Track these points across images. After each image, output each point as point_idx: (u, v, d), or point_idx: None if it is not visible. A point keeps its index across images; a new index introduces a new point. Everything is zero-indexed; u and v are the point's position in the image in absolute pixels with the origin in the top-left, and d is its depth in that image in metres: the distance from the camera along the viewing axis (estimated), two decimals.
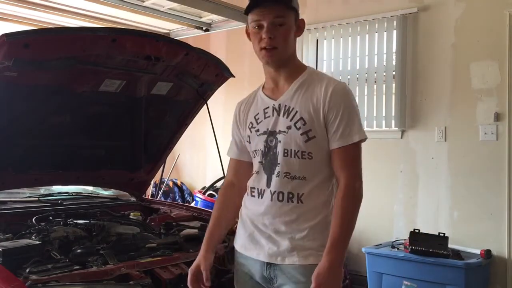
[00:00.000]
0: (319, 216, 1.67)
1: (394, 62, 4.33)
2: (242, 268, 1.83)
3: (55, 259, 2.04)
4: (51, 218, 2.64)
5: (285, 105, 1.75)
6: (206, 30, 4.80)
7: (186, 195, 5.76)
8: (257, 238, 1.75)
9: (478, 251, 3.67)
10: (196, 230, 2.64)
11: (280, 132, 1.73)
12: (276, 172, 1.72)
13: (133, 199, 3.35)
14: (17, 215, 2.66)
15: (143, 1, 4.15)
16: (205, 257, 1.82)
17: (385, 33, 4.40)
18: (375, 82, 4.46)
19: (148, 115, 2.86)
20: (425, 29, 4.21)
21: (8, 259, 1.91)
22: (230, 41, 5.66)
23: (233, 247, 2.29)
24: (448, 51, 4.07)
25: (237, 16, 4.32)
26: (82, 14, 4.45)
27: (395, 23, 4.33)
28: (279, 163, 1.71)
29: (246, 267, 1.81)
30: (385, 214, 4.37)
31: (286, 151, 1.71)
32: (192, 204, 5.03)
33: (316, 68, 4.82)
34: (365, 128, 4.43)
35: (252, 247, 1.77)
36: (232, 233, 2.58)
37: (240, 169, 1.93)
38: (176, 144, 3.25)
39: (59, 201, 3.00)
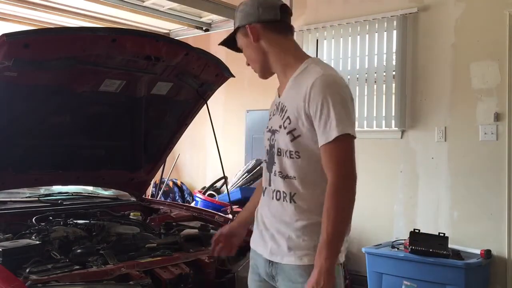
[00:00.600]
0: (314, 216, 1.64)
1: (394, 62, 4.33)
2: (253, 261, 1.87)
3: (55, 259, 2.04)
4: (51, 218, 2.64)
5: (281, 103, 1.75)
6: (206, 30, 4.80)
7: (186, 195, 5.76)
8: (264, 235, 1.76)
9: (478, 251, 3.67)
10: (196, 230, 2.65)
11: (276, 131, 1.74)
12: (273, 171, 1.74)
13: (133, 199, 3.35)
14: (17, 215, 2.66)
15: (143, 1, 4.15)
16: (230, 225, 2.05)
17: (385, 33, 4.40)
18: (375, 82, 4.46)
19: (148, 115, 2.86)
20: (425, 29, 4.21)
21: (8, 259, 1.91)
22: None
23: None
24: (448, 51, 4.07)
25: None
26: (82, 14, 4.44)
27: (395, 23, 4.33)
28: (275, 162, 1.73)
29: (255, 261, 1.84)
30: (385, 214, 4.37)
31: (279, 150, 1.72)
32: (192, 204, 5.03)
33: None
34: (365, 128, 4.49)
35: (260, 243, 1.78)
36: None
37: None
38: (176, 144, 3.25)
39: (59, 201, 3.00)
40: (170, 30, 5.15)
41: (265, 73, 1.83)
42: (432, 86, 4.17)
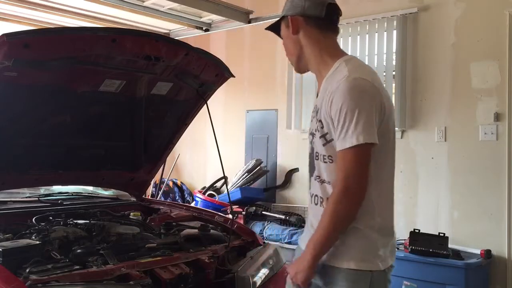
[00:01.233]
0: None
1: (394, 62, 4.33)
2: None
3: (55, 259, 2.04)
4: (51, 218, 2.64)
5: (316, 105, 1.72)
6: (206, 30, 4.79)
7: (186, 195, 5.76)
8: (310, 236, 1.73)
9: (478, 251, 3.67)
10: (196, 230, 2.64)
11: (313, 134, 1.72)
12: (313, 175, 1.74)
13: (133, 199, 3.34)
14: (17, 215, 2.65)
15: (143, 1, 4.15)
16: None
17: (385, 33, 4.40)
18: None
19: (148, 115, 2.86)
20: (425, 29, 4.21)
21: (8, 259, 1.91)
22: (230, 41, 5.66)
23: (233, 248, 2.31)
24: (448, 51, 4.07)
25: (237, 16, 4.32)
26: (82, 14, 4.44)
27: (395, 23, 4.33)
28: (314, 166, 1.72)
29: None
30: None
31: (317, 154, 1.70)
32: (192, 204, 5.03)
33: None
34: None
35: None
36: (233, 233, 2.59)
37: None
38: (176, 144, 3.25)
39: (59, 201, 2.99)
40: (170, 30, 5.15)
41: (300, 67, 1.80)
42: (432, 86, 4.17)
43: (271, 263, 2.55)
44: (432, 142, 4.15)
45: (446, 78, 4.09)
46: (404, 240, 3.80)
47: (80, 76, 2.38)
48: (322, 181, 1.69)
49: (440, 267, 3.50)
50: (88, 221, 2.61)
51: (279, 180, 5.16)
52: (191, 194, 5.73)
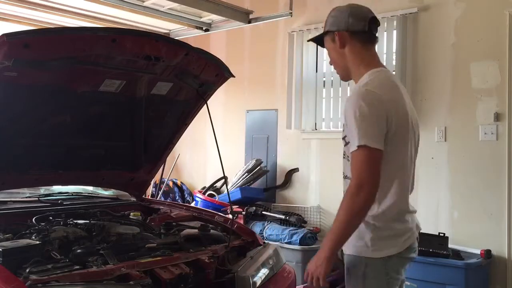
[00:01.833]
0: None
1: (394, 62, 4.33)
2: None
3: (55, 259, 2.04)
4: (51, 218, 2.64)
5: None
6: (206, 30, 4.79)
7: (186, 195, 5.76)
8: None
9: (478, 251, 3.67)
10: (196, 230, 2.64)
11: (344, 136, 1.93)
12: (343, 174, 1.98)
13: (133, 199, 3.35)
14: (17, 215, 2.65)
15: (143, 1, 4.15)
16: None
17: (385, 33, 4.40)
18: None
19: (148, 115, 2.86)
20: (425, 29, 4.21)
21: (8, 259, 1.91)
22: (230, 41, 5.66)
23: (233, 248, 2.31)
24: (448, 51, 4.07)
25: (237, 16, 4.32)
26: (82, 14, 4.44)
27: (395, 23, 4.33)
28: (343, 165, 1.96)
29: None
30: None
31: (344, 153, 1.94)
32: (192, 204, 5.03)
33: (316, 69, 4.84)
34: None
35: None
36: (233, 233, 2.59)
37: None
38: (176, 144, 3.25)
39: (59, 201, 2.99)
40: (170, 30, 5.14)
41: (345, 76, 2.01)
42: (432, 86, 4.17)
43: (271, 263, 2.55)
44: (432, 142, 4.15)
45: (446, 78, 4.09)
46: None
47: (80, 76, 2.38)
48: (345, 177, 1.91)
49: (440, 267, 3.50)
50: (88, 221, 2.61)
51: (279, 180, 5.16)
52: (191, 194, 5.72)
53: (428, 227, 3.94)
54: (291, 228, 4.44)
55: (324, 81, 4.82)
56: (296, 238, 4.29)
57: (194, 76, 2.73)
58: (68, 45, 2.20)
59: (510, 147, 3.76)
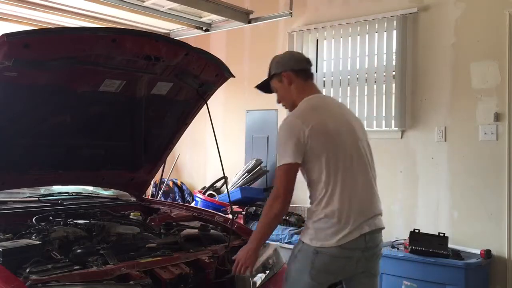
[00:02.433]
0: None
1: (394, 62, 4.33)
2: None
3: (55, 259, 2.04)
4: (51, 218, 2.64)
5: None
6: (206, 30, 4.79)
7: (186, 195, 5.76)
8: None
9: (478, 251, 3.67)
10: (196, 230, 2.65)
11: None
12: None
13: (133, 199, 3.35)
14: (17, 215, 2.66)
15: (143, 1, 4.14)
16: None
17: (385, 33, 4.40)
18: (375, 82, 4.46)
19: (148, 115, 2.86)
20: (425, 29, 4.21)
21: (8, 259, 1.91)
22: (230, 41, 5.66)
23: (233, 248, 2.32)
24: (448, 51, 4.07)
25: (237, 16, 4.32)
26: (82, 14, 4.44)
27: (395, 23, 4.33)
28: None
29: None
30: (385, 214, 4.33)
31: None
32: (192, 204, 5.03)
33: (316, 68, 4.85)
34: (365, 128, 4.50)
35: None
36: (233, 233, 2.59)
37: None
38: (176, 144, 3.25)
39: (59, 201, 3.00)
40: (170, 30, 5.14)
41: (293, 107, 2.30)
42: (432, 86, 4.17)
43: (271, 263, 2.55)
44: (432, 142, 4.15)
45: (446, 78, 4.09)
46: (404, 240, 3.80)
47: (80, 76, 2.38)
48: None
49: (440, 267, 3.49)
50: (88, 221, 2.62)
51: None
52: (191, 194, 5.72)
53: (428, 227, 3.94)
54: (291, 228, 4.44)
55: (324, 81, 4.82)
56: (296, 238, 4.29)
57: (194, 76, 2.74)
58: (68, 45, 2.20)
59: (510, 147, 3.76)
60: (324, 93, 4.92)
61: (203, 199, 5.01)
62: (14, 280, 1.78)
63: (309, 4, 4.94)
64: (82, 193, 3.34)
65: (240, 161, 5.42)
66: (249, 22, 4.39)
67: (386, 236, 4.21)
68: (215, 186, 5.29)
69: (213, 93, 2.95)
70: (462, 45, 4.01)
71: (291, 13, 4.36)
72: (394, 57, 4.33)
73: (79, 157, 2.82)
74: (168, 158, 3.36)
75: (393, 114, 4.31)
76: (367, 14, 4.48)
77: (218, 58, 2.77)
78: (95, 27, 3.98)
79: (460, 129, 4.01)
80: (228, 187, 4.96)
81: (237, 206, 4.69)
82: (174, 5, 4.15)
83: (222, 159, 2.79)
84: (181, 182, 5.90)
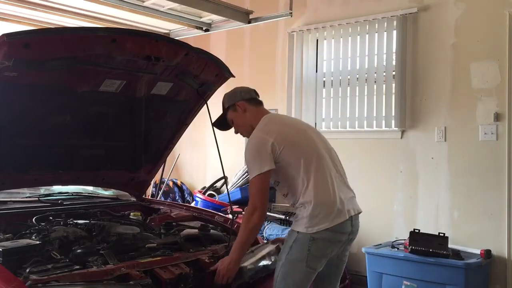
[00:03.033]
0: None
1: (394, 62, 4.33)
2: None
3: (55, 259, 2.04)
4: (51, 218, 2.64)
5: None
6: (206, 30, 4.79)
7: (186, 195, 5.76)
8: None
9: (478, 251, 3.67)
10: (196, 230, 2.65)
11: None
12: None
13: (133, 199, 3.35)
14: (17, 215, 2.66)
15: (143, 1, 4.14)
16: None
17: (385, 33, 4.40)
18: (375, 82, 4.46)
19: (148, 115, 2.86)
20: (425, 29, 4.21)
21: (8, 259, 1.91)
22: (230, 41, 5.66)
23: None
24: (448, 51, 4.08)
25: (237, 16, 4.32)
26: (82, 14, 4.43)
27: (395, 23, 4.33)
28: None
29: None
30: (385, 214, 4.37)
31: None
32: (192, 204, 5.03)
33: (316, 69, 4.85)
34: (365, 128, 4.52)
35: None
36: (233, 233, 2.60)
37: None
38: (176, 144, 3.25)
39: (59, 201, 3.00)
40: (170, 30, 5.14)
41: (250, 132, 2.49)
42: (432, 86, 4.17)
43: (272, 259, 2.54)
44: (432, 142, 4.15)
45: (446, 78, 4.09)
46: (404, 240, 3.80)
47: (80, 76, 2.38)
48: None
49: (440, 267, 3.49)
50: (88, 221, 2.62)
51: None
52: (191, 194, 5.72)
53: (428, 227, 3.94)
54: None
55: (324, 81, 4.82)
56: None
57: (194, 76, 2.74)
58: (68, 45, 2.20)
59: (510, 147, 3.76)
60: (324, 94, 4.96)
61: (203, 199, 5.01)
62: (14, 280, 1.78)
63: (309, 4, 4.94)
64: (82, 193, 3.34)
65: (240, 161, 5.41)
66: (249, 22, 4.39)
67: (386, 236, 4.24)
68: (215, 186, 5.29)
69: (213, 93, 2.95)
70: (462, 45, 4.01)
71: (291, 13, 4.36)
72: (394, 57, 4.33)
73: (79, 157, 2.82)
74: (168, 158, 3.36)
75: (393, 114, 4.31)
76: (367, 14, 4.48)
77: (218, 58, 2.77)
78: (95, 27, 3.99)
79: (460, 129, 4.01)
80: (228, 187, 4.96)
81: (237, 206, 4.69)
82: (174, 5, 4.15)
83: (222, 159, 2.80)
84: (181, 182, 5.89)
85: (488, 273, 3.76)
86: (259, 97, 2.64)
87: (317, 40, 4.87)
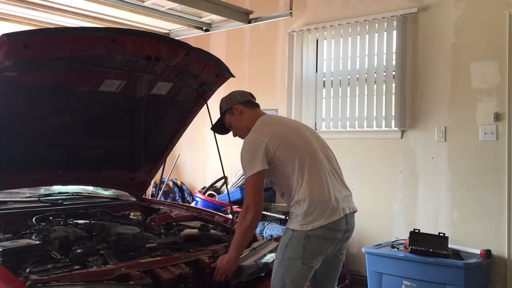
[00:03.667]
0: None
1: (394, 62, 4.33)
2: None
3: (55, 259, 2.04)
4: (51, 218, 2.64)
5: None
6: (206, 30, 4.79)
7: (186, 195, 5.76)
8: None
9: (478, 251, 3.67)
10: (196, 230, 2.65)
11: None
12: None
13: (133, 199, 3.35)
14: (17, 215, 2.66)
15: (143, 1, 4.15)
16: None
17: (385, 33, 4.40)
18: (375, 82, 4.46)
19: (148, 115, 2.86)
20: (425, 29, 4.21)
21: (8, 259, 1.91)
22: (230, 41, 5.66)
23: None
24: (448, 51, 4.08)
25: (237, 16, 4.32)
26: (82, 14, 4.44)
27: (395, 23, 4.33)
28: None
29: None
30: (385, 214, 4.37)
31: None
32: (192, 204, 5.03)
33: (316, 69, 4.85)
34: (365, 128, 4.51)
35: None
36: (233, 233, 2.60)
37: None
38: (176, 144, 3.25)
39: (59, 201, 3.00)
40: (170, 30, 5.14)
41: (247, 133, 2.50)
42: (432, 86, 4.17)
43: (274, 256, 2.55)
44: (432, 142, 4.15)
45: (446, 78, 4.09)
46: (404, 240, 3.80)
47: (80, 76, 2.38)
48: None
49: (440, 267, 3.49)
50: (88, 221, 2.62)
51: None
52: (191, 194, 5.72)
53: (428, 227, 3.94)
54: None
55: (324, 81, 4.82)
56: None
57: (194, 76, 2.74)
58: (68, 45, 2.20)
59: (510, 147, 3.76)
60: (324, 94, 4.96)
61: (203, 199, 5.01)
62: (14, 280, 1.78)
63: (309, 4, 4.94)
64: (82, 193, 3.34)
65: (240, 161, 5.42)
66: (249, 22, 4.39)
67: (386, 236, 4.24)
68: (215, 186, 5.29)
69: (213, 93, 2.95)
70: (462, 45, 4.01)
71: (291, 13, 4.36)
72: (394, 57, 4.33)
73: (79, 157, 2.82)
74: (168, 158, 3.36)
75: (393, 114, 4.31)
76: (367, 14, 4.48)
77: (218, 58, 2.77)
78: (95, 27, 3.99)
79: (460, 129, 4.01)
80: (228, 187, 4.96)
81: (237, 206, 4.68)
82: (174, 5, 4.16)
83: (222, 159, 2.80)
84: (181, 182, 5.89)
85: (488, 273, 3.76)
86: (255, 99, 2.67)
87: (317, 40, 4.87)
